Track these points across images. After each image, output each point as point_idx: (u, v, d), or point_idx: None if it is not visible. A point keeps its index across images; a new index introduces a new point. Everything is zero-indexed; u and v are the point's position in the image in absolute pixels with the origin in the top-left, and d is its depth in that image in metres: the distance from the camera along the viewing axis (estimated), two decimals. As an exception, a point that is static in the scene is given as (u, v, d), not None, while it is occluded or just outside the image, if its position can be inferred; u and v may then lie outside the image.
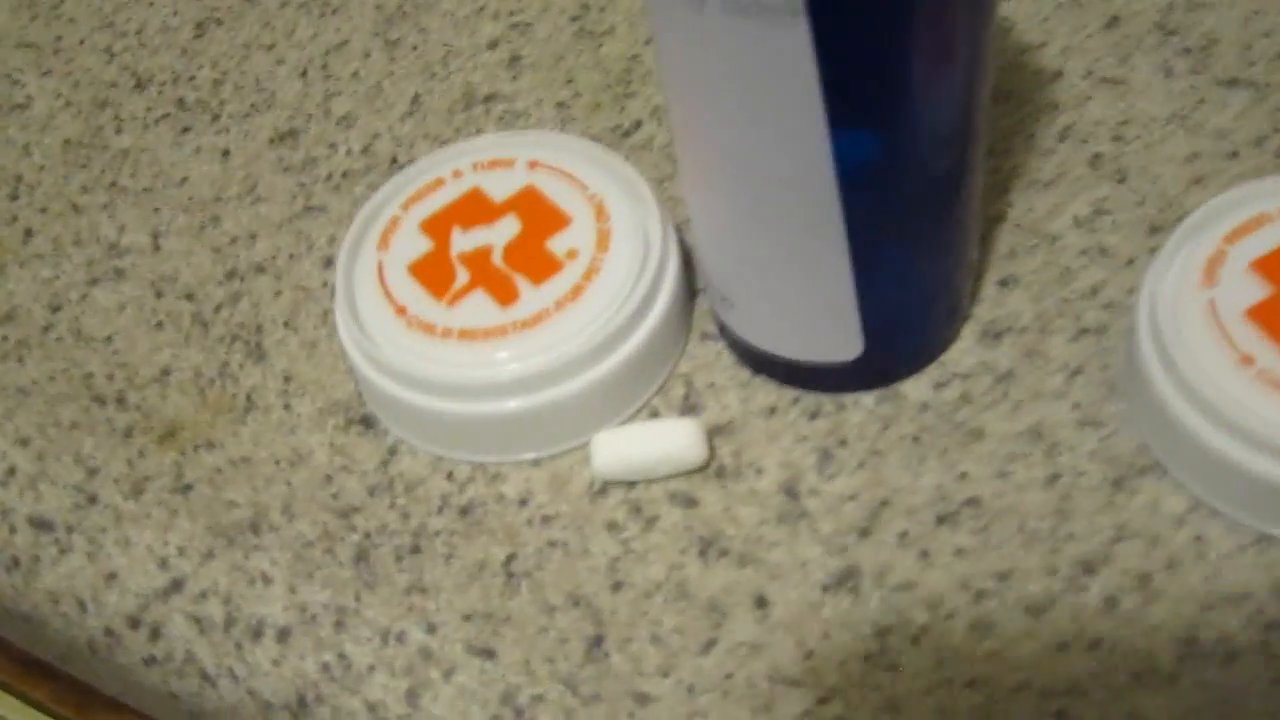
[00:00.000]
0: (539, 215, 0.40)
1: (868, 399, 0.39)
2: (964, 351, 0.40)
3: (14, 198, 0.49)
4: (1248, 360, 0.35)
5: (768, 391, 0.40)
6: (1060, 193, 0.43)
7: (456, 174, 0.42)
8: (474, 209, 0.41)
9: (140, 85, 0.51)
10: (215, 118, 0.49)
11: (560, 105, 0.47)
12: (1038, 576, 0.36)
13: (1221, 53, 0.45)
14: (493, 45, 0.49)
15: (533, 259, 0.39)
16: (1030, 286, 0.41)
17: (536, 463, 0.39)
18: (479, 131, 0.46)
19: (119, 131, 0.50)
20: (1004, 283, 0.41)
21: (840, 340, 0.38)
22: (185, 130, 0.49)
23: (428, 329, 0.39)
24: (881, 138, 0.34)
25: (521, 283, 0.39)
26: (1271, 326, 0.36)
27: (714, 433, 0.39)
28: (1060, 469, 0.37)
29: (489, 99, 0.48)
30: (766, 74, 0.31)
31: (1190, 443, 0.35)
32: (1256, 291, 0.36)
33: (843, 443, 0.39)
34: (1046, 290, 0.41)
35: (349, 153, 0.47)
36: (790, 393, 0.40)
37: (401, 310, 0.39)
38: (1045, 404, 0.38)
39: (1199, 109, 0.44)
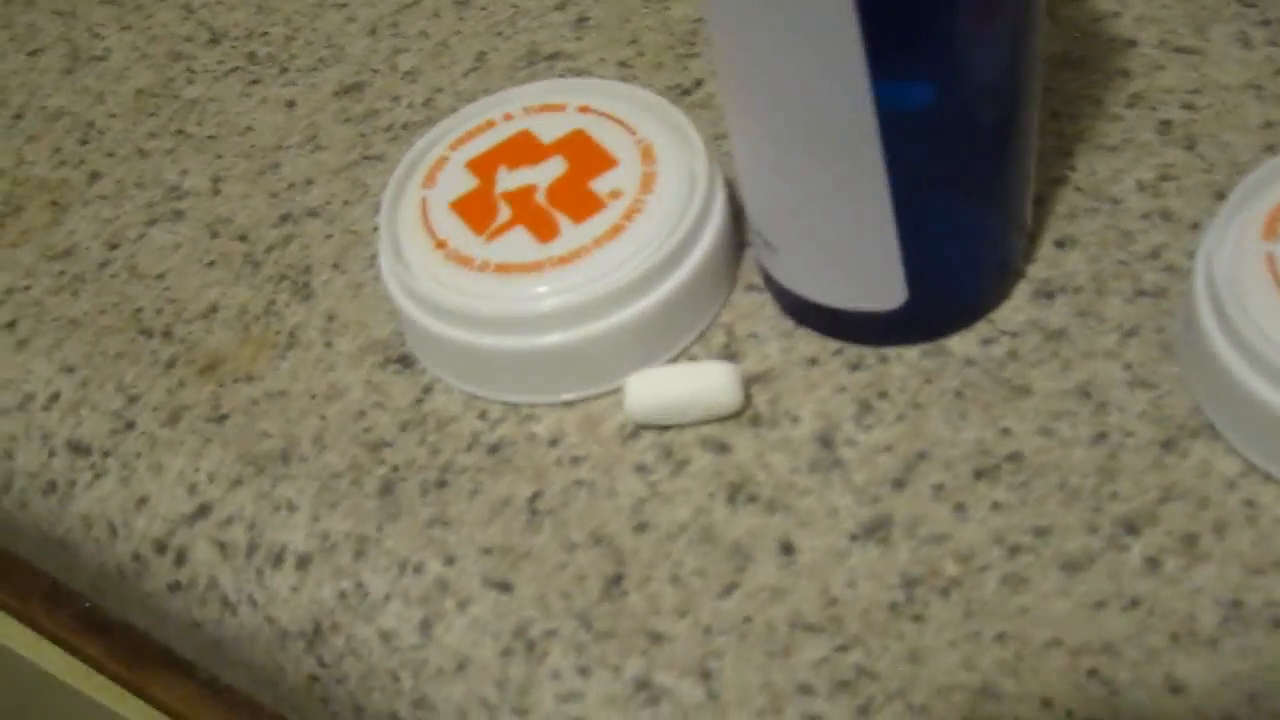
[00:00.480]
0: (585, 156, 0.40)
1: (911, 353, 0.38)
2: (1015, 309, 0.39)
3: (84, 142, 0.49)
4: (1245, 322, 0.34)
5: (810, 342, 0.39)
6: (1125, 158, 0.41)
7: (507, 117, 0.41)
8: (521, 150, 0.40)
9: (215, 40, 0.52)
10: (284, 70, 0.50)
11: (622, 64, 0.47)
12: (1077, 534, 0.34)
13: (1322, 26, 0.43)
14: (560, 6, 0.49)
15: (576, 198, 0.39)
16: (1088, 248, 0.39)
17: (570, 404, 0.39)
18: (539, 87, 0.46)
19: (190, 83, 0.50)
20: (1060, 243, 0.40)
21: (883, 287, 0.36)
22: (254, 82, 0.50)
23: (465, 262, 0.38)
24: (923, 86, 0.33)
25: (562, 220, 0.38)
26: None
27: (752, 381, 0.38)
28: (1108, 428, 0.36)
29: (552, 57, 0.47)
30: (808, 16, 0.30)
31: (1246, 400, 0.34)
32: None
33: (883, 395, 0.37)
34: (1105, 252, 0.39)
35: (410, 105, 0.47)
36: (833, 344, 0.39)
37: (441, 244, 0.39)
38: (1096, 363, 0.37)
39: (1275, 79, 0.42)
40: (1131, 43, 0.44)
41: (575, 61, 0.47)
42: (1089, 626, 0.33)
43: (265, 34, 0.51)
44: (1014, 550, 0.34)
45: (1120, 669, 0.32)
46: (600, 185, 0.39)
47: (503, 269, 0.38)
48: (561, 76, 0.47)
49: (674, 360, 0.39)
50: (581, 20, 0.49)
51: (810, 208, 0.36)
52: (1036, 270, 0.39)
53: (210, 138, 0.48)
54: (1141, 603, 0.33)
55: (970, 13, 0.32)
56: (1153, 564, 0.33)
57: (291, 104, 0.48)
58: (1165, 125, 0.42)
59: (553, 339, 0.37)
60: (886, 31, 0.31)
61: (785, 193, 0.36)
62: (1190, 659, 0.32)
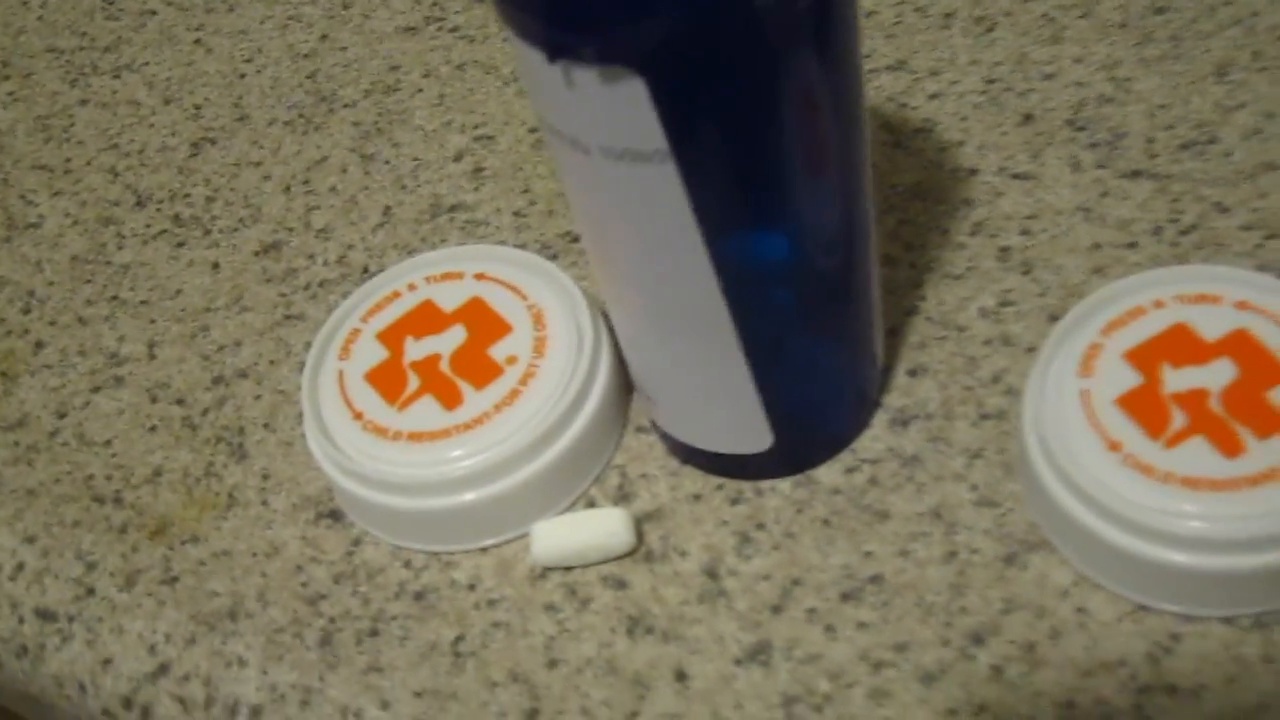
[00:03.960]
0: (483, 324, 0.44)
1: (784, 485, 0.43)
2: (874, 438, 0.43)
3: (26, 311, 0.53)
4: (1116, 446, 0.38)
5: (694, 479, 0.43)
6: (970, 285, 0.46)
7: (411, 286, 0.46)
8: (426, 319, 0.45)
9: (140, 203, 0.56)
10: (207, 232, 0.54)
11: (517, 214, 0.51)
12: (932, 647, 0.39)
13: (1127, 146, 0.48)
14: (458, 157, 0.54)
15: (476, 365, 0.43)
16: (938, 375, 0.44)
17: (484, 550, 0.43)
18: (443, 241, 0.51)
19: (120, 247, 0.55)
20: (913, 372, 0.44)
21: (750, 433, 0.41)
22: (180, 245, 0.54)
23: (381, 432, 0.43)
24: (756, 250, 0.38)
25: (465, 388, 0.43)
26: (1139, 413, 0.39)
27: (644, 519, 0.43)
28: (957, 546, 0.41)
29: (453, 209, 0.52)
30: (646, 205, 0.35)
31: (1069, 523, 0.39)
32: (1127, 380, 0.40)
33: (760, 526, 0.42)
34: (953, 379, 0.44)
35: (325, 263, 0.51)
36: (714, 480, 0.43)
37: (359, 415, 0.43)
38: (946, 486, 0.42)
39: (1102, 201, 0.47)
40: (974, 171, 0.49)
41: (474, 212, 0.51)
42: (946, 733, 0.38)
43: (188, 195, 0.55)
44: (878, 666, 0.39)
45: (974, 771, 0.37)
46: (497, 351, 0.44)
47: (415, 437, 0.42)
48: (463, 228, 0.51)
49: (574, 503, 0.43)
50: (478, 170, 0.53)
51: (676, 370, 0.40)
52: (892, 399, 0.44)
53: (143, 303, 0.52)
54: (988, 708, 0.38)
55: (792, 183, 0.36)
56: (998, 671, 0.38)
57: (216, 265, 0.53)
58: (1004, 251, 0.47)
59: (465, 498, 0.42)
60: (714, 210, 0.35)
61: (651, 353, 0.41)
62: (1034, 757, 0.37)
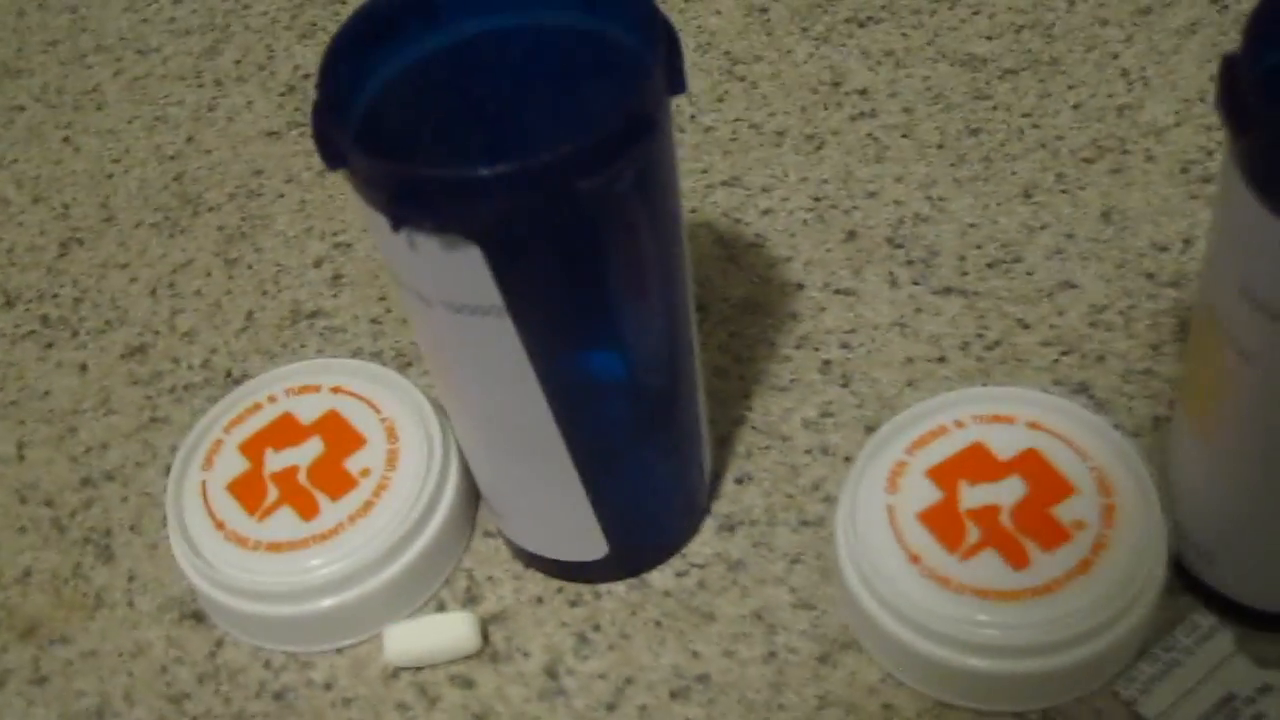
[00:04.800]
0: (339, 437, 0.47)
1: (620, 588, 0.46)
2: (703, 543, 0.47)
3: (-103, 411, 0.55)
4: (917, 559, 0.42)
5: (536, 582, 0.47)
6: (793, 396, 0.50)
7: (271, 399, 0.49)
8: (285, 431, 0.48)
9: (9, 303, 0.58)
10: (75, 334, 0.56)
11: (374, 321, 0.54)
12: (752, 743, 0.43)
13: (939, 264, 0.52)
14: (318, 264, 0.56)
15: (333, 477, 0.46)
16: (763, 483, 0.48)
17: (340, 651, 0.46)
18: (303, 347, 0.53)
19: (-9, 348, 0.57)
20: (740, 480, 0.48)
21: (586, 543, 0.44)
22: (49, 346, 0.56)
23: (242, 541, 0.45)
24: (586, 377, 0.41)
25: (322, 499, 0.46)
26: (937, 528, 0.43)
27: (490, 620, 0.46)
28: (777, 647, 0.44)
29: (313, 315, 0.55)
30: (482, 349, 0.38)
31: (875, 628, 0.42)
32: (928, 496, 0.43)
33: (597, 627, 0.45)
34: (776, 487, 0.48)
35: (190, 367, 0.54)
36: (555, 583, 0.46)
37: (220, 525, 0.46)
38: (768, 589, 0.45)
39: (916, 316, 0.51)
40: (800, 286, 0.53)
41: (332, 319, 0.54)
42: (762, 824, 0.41)
43: (56, 295, 0.58)
44: (703, 761, 0.42)
45: None
46: (352, 464, 0.46)
47: (274, 546, 0.45)
48: (322, 334, 0.54)
49: (425, 605, 0.46)
50: (337, 277, 0.56)
51: (514, 484, 0.44)
52: (720, 506, 0.48)
53: (13, 403, 0.54)
54: (802, 800, 0.41)
55: (618, 328, 0.40)
56: (811, 766, 0.42)
57: (84, 367, 0.55)
58: (826, 365, 0.50)
59: (322, 604, 0.45)
60: (546, 340, 0.38)
61: (492, 470, 0.44)
62: (840, 846, 0.40)
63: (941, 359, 0.50)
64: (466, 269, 0.35)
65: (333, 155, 0.35)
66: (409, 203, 0.34)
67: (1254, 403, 0.37)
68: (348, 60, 0.36)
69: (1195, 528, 0.42)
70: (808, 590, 0.45)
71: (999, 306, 0.51)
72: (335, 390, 0.48)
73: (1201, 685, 0.42)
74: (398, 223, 0.35)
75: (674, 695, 0.44)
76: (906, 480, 0.44)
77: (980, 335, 0.50)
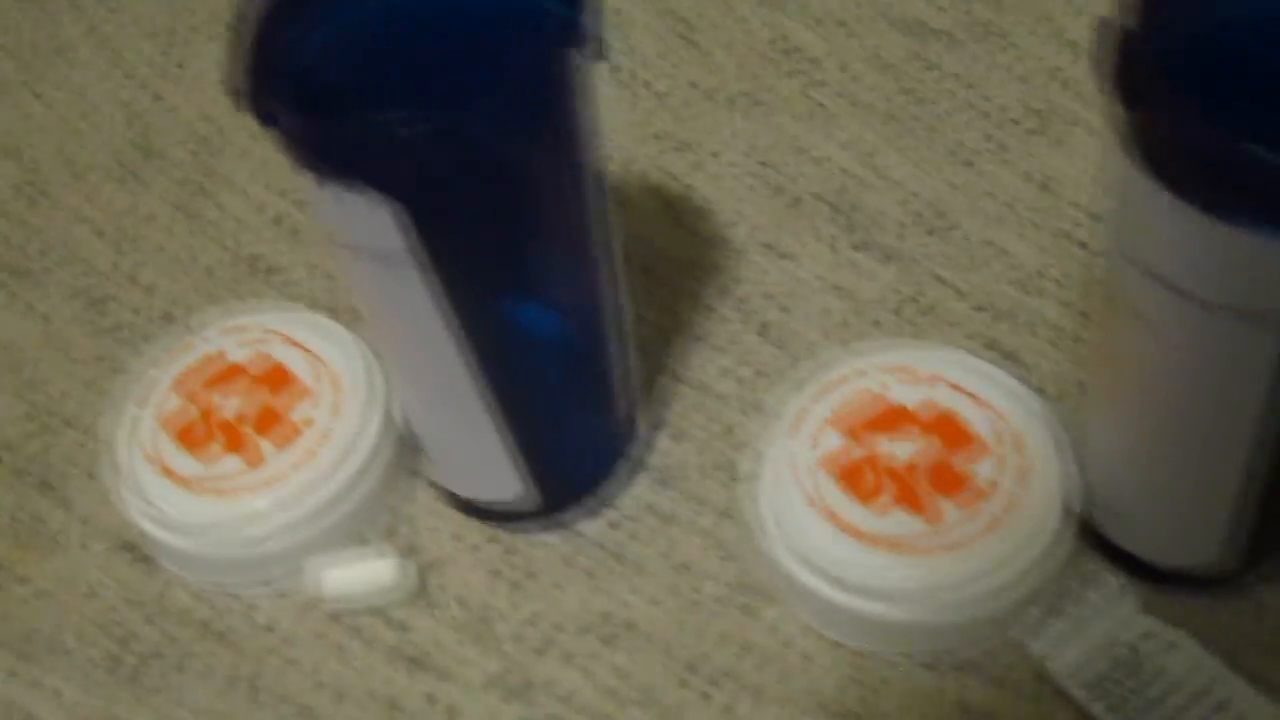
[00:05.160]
0: (285, 387, 0.49)
1: (554, 538, 0.48)
2: (636, 496, 0.48)
3: None
4: (831, 513, 0.44)
5: (474, 531, 0.48)
6: (731, 356, 0.51)
7: (220, 347, 0.50)
8: (232, 378, 0.49)
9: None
10: (39, 284, 0.57)
11: (328, 276, 0.55)
12: (674, 689, 0.44)
13: (878, 228, 0.54)
14: (277, 220, 0.58)
15: (276, 424, 0.48)
16: (696, 438, 0.49)
17: (283, 595, 0.47)
18: (258, 299, 0.55)
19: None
20: (675, 436, 0.50)
21: (512, 489, 0.46)
22: (11, 295, 0.57)
23: (186, 484, 0.47)
24: (507, 336, 0.43)
25: (265, 446, 0.47)
26: (852, 483, 0.44)
27: (427, 567, 0.47)
28: (702, 597, 0.46)
29: (269, 270, 0.56)
30: (398, 295, 0.39)
31: (793, 580, 0.44)
32: (846, 453, 0.45)
33: (530, 575, 0.47)
34: (709, 443, 0.49)
35: (150, 319, 0.55)
36: (492, 532, 0.48)
37: (167, 469, 0.47)
38: (696, 541, 0.47)
39: (853, 280, 0.52)
40: (743, 249, 0.54)
41: (288, 274, 0.56)
42: (679, 765, 0.43)
43: (21, 246, 0.59)
44: (626, 703, 0.44)
45: (700, 799, 0.42)
46: (297, 413, 0.48)
47: (218, 490, 0.47)
48: (277, 288, 0.55)
49: (365, 552, 0.48)
50: (294, 232, 0.57)
51: (441, 430, 0.45)
52: (654, 460, 0.49)
53: (-23, 350, 0.56)
54: (719, 743, 0.43)
55: (533, 261, 0.41)
56: (728, 710, 0.43)
57: (46, 317, 0.56)
58: (764, 326, 0.52)
59: (266, 547, 0.46)
60: (461, 289, 0.39)
61: (422, 417, 0.46)
62: (753, 787, 0.42)
63: (876, 322, 0.51)
64: (383, 220, 0.37)
65: (260, 112, 0.36)
66: (326, 156, 0.36)
67: (1153, 370, 0.38)
68: (278, 18, 0.37)
69: (1105, 489, 0.44)
70: (734, 543, 0.47)
71: (934, 271, 0.52)
72: (286, 341, 0.50)
73: (1108, 641, 0.43)
74: (321, 180, 0.36)
75: (602, 642, 0.45)
76: (825, 437, 0.45)
77: (915, 299, 0.52)
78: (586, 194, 0.41)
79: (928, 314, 0.51)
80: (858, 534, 0.43)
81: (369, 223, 0.37)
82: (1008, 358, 0.50)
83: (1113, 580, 0.44)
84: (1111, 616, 0.44)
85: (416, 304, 0.39)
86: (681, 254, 0.54)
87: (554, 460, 0.46)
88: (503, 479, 0.46)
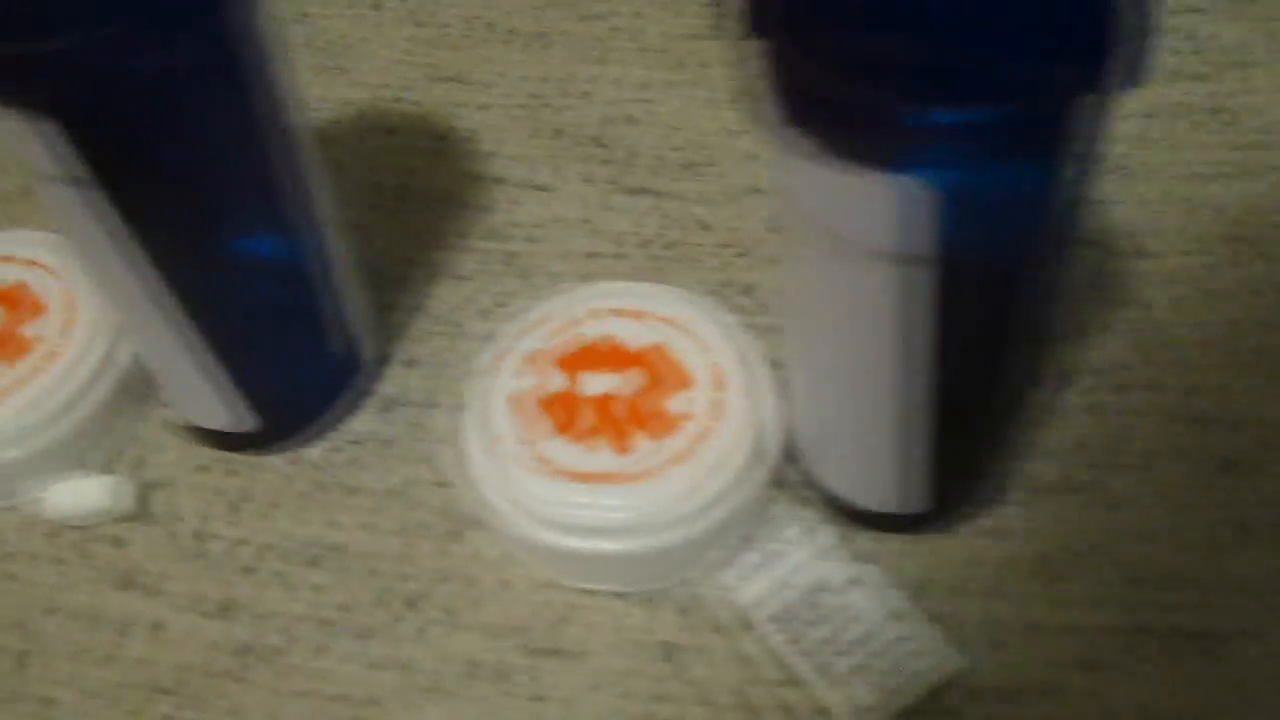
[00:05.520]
0: (23, 304, 0.49)
1: (278, 461, 0.48)
2: (362, 422, 0.49)
3: None
4: (529, 442, 0.44)
5: (200, 453, 0.49)
6: (473, 286, 0.52)
7: None
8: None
9: None
10: None
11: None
12: (371, 609, 0.45)
13: (637, 164, 0.54)
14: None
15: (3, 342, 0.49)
16: (427, 367, 0.50)
17: (12, 508, 0.48)
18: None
19: None
20: (407, 363, 0.50)
21: (231, 414, 0.47)
22: None
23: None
24: (206, 262, 0.43)
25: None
26: (554, 412, 0.45)
27: (152, 486, 0.48)
28: (411, 522, 0.47)
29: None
30: (85, 223, 0.40)
31: (491, 508, 0.45)
32: (552, 383, 0.45)
33: (249, 497, 0.48)
34: (440, 371, 0.50)
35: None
36: (219, 455, 0.49)
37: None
38: (414, 468, 0.48)
39: (605, 214, 0.53)
40: (500, 180, 0.54)
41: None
42: (366, 684, 0.44)
43: None
44: (324, 623, 0.45)
45: (381, 719, 0.43)
46: (28, 330, 0.49)
47: (-58, 406, 0.47)
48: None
49: (92, 469, 0.49)
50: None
51: (158, 352, 0.45)
52: (384, 387, 0.50)
53: None
54: (409, 665, 0.44)
55: (218, 186, 0.41)
56: (421, 632, 0.44)
57: None
58: (511, 256, 0.52)
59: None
60: (142, 215, 0.40)
61: (142, 340, 0.46)
62: (435, 706, 0.43)
63: (621, 255, 0.52)
64: (49, 144, 0.37)
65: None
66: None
67: (813, 308, 0.39)
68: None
69: (803, 427, 0.44)
70: (448, 471, 0.47)
71: (686, 208, 0.53)
72: (26, 262, 0.50)
73: (797, 576, 0.44)
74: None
75: (308, 563, 0.46)
76: (533, 369, 0.46)
77: (662, 234, 0.52)
78: (272, 123, 0.41)
79: (674, 249, 0.52)
80: (552, 466, 0.44)
81: (34, 147, 0.37)
82: (746, 294, 0.50)
83: (809, 516, 0.45)
84: (804, 551, 0.44)
85: (99, 231, 0.40)
86: (439, 185, 0.55)
87: (267, 387, 0.47)
88: (213, 405, 0.46)
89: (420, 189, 0.54)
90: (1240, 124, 0.54)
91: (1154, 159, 0.53)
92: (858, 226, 0.35)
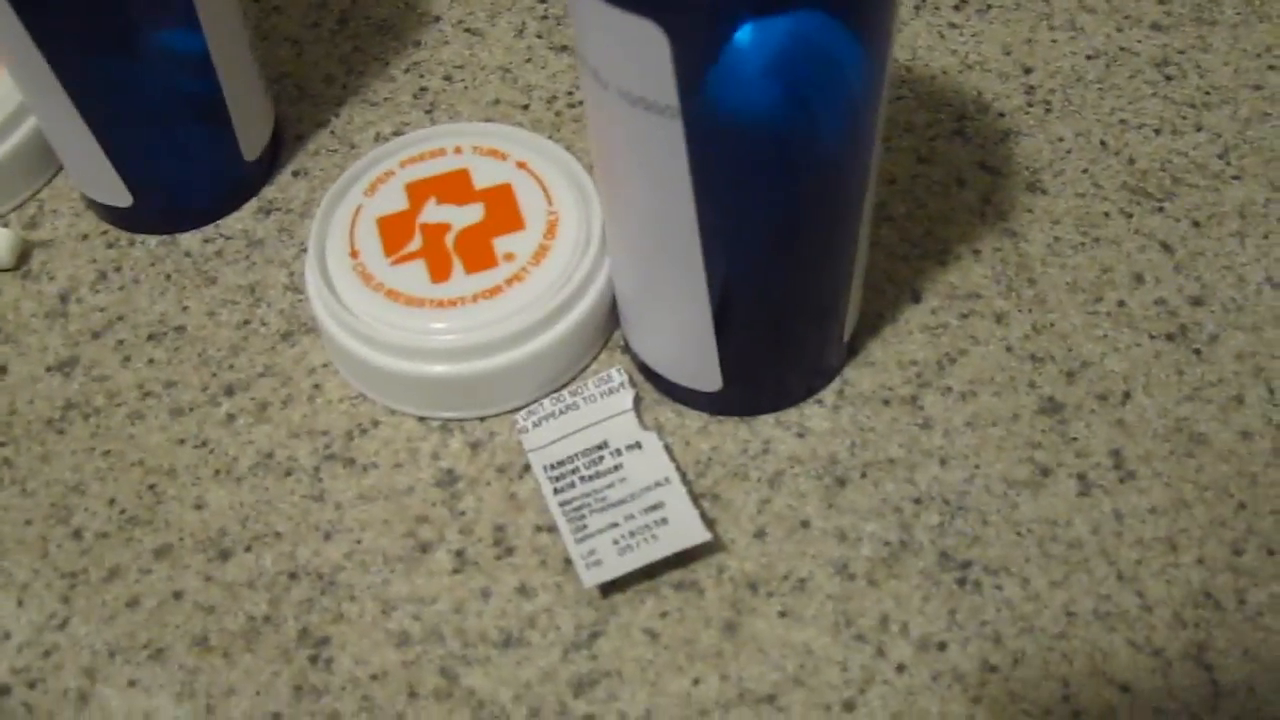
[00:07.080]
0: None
1: (153, 241, 0.51)
2: (239, 220, 0.51)
3: None
4: (355, 254, 0.46)
5: (90, 222, 0.51)
6: (379, 113, 0.53)
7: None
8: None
9: None
10: None
11: None
12: (190, 390, 0.47)
13: (568, 22, 0.55)
14: None
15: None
16: (314, 180, 0.52)
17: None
18: None
19: None
20: (297, 173, 0.52)
21: (113, 191, 0.49)
22: None
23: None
24: (93, 64, 0.45)
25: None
26: (387, 233, 0.46)
27: (37, 245, 0.51)
28: (253, 318, 0.48)
29: None
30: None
31: (316, 316, 0.46)
32: (394, 205, 0.47)
33: (118, 269, 0.50)
34: (322, 184, 0.51)
35: None
36: (104, 226, 0.51)
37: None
38: (272, 269, 0.50)
39: (524, 66, 0.54)
40: (437, 18, 0.56)
41: None
42: (166, 454, 0.46)
43: None
44: (147, 394, 0.47)
45: (170, 488, 0.45)
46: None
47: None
48: None
49: (-7, 221, 0.52)
50: None
51: (43, 127, 0.48)
52: (269, 192, 0.52)
53: None
54: (206, 444, 0.46)
55: None
56: (231, 418, 0.46)
57: None
58: (423, 91, 0.53)
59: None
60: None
61: (41, 120, 0.49)
62: (220, 488, 0.45)
63: (525, 106, 0.53)
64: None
65: None
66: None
67: (601, 161, 0.39)
68: None
69: (618, 288, 0.45)
70: (302, 275, 0.49)
71: (603, 73, 0.53)
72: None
73: (587, 431, 0.45)
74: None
75: (149, 338, 0.48)
76: (385, 188, 0.47)
77: (570, 92, 0.53)
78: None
79: (576, 109, 0.52)
80: (372, 282, 0.45)
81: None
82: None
83: (616, 377, 0.46)
84: (601, 410, 0.45)
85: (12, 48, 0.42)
86: (380, 14, 0.56)
87: (147, 171, 0.49)
88: (96, 177, 0.49)
89: (361, 15, 0.56)
90: (1182, 80, 0.52)
91: (1081, 98, 0.52)
92: (610, 66, 0.35)
